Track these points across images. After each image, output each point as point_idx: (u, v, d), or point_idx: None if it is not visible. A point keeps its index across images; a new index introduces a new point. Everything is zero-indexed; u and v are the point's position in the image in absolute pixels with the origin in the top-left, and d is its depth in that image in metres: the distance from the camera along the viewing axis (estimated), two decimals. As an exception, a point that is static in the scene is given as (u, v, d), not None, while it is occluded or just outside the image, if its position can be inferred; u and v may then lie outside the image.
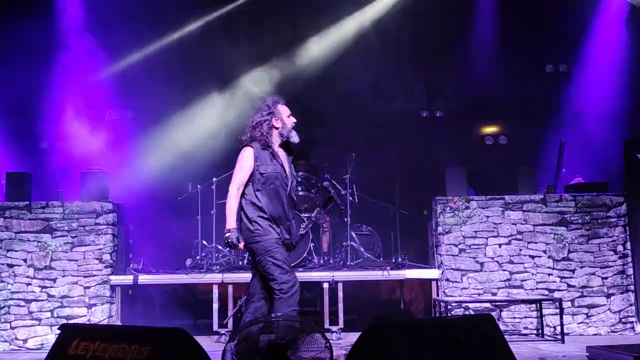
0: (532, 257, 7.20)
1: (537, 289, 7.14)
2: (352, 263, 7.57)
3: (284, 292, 4.85)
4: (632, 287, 7.12)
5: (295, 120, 5.18)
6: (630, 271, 7.15)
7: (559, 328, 6.87)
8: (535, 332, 7.02)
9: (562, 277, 7.15)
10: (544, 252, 7.20)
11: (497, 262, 7.19)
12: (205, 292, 7.59)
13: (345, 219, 7.59)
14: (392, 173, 7.94)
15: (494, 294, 7.12)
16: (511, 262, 7.18)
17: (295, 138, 5.16)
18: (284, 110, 5.16)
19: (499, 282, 7.15)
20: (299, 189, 7.82)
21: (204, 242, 7.73)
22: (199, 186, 7.77)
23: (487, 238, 7.22)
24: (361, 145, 8.19)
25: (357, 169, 7.90)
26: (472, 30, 8.80)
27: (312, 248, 7.57)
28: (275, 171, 5.01)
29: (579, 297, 7.13)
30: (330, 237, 8.08)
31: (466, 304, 7.00)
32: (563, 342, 6.65)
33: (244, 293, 7.85)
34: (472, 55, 8.78)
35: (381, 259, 7.92)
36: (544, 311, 7.00)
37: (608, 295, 7.12)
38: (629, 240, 7.17)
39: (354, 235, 7.80)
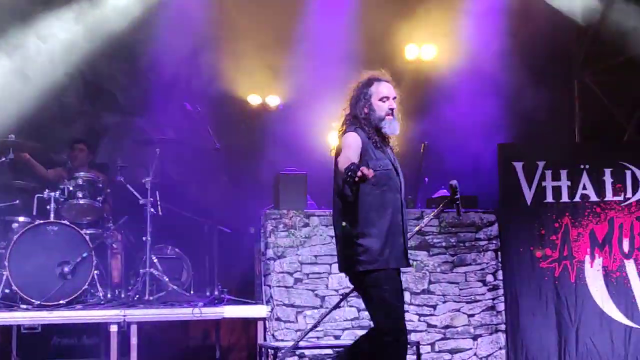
0: (387, 289, 7.17)
1: (391, 330, 7.12)
2: (151, 297, 7.36)
3: (383, 339, 4.71)
4: (502, 327, 7.34)
5: (393, 106, 4.89)
6: (501, 307, 7.36)
7: (416, 379, 6.90)
8: (387, 384, 6.99)
9: (420, 315, 7.26)
10: (400, 282, 7.19)
11: (343, 295, 7.09)
12: None
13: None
14: (210, 176, 7.68)
15: (338, 337, 7.09)
16: (358, 295, 7.09)
17: (388, 129, 4.88)
18: (378, 90, 4.92)
19: (344, 322, 7.14)
20: (79, 195, 7.50)
21: None
22: None
23: (330, 265, 7.19)
24: (169, 137, 7.96)
25: (162, 170, 7.72)
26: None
27: (95, 277, 7.28)
28: (387, 168, 4.81)
29: (441, 339, 7.25)
30: (122, 262, 7.83)
31: (301, 351, 6.94)
32: (422, 396, 6.75)
33: None
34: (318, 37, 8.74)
35: (192, 292, 7.80)
36: (399, 358, 6.99)
37: (475, 337, 7.30)
38: (500, 268, 7.38)
39: (156, 260, 7.60)
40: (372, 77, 4.93)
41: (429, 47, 9.13)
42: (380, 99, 4.88)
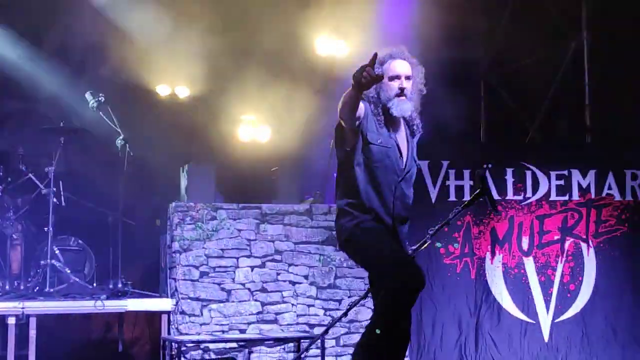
0: (293, 283, 7.31)
1: (297, 323, 7.26)
2: (52, 290, 7.25)
3: (391, 292, 4.33)
4: (424, 321, 7.53)
5: (403, 85, 4.57)
6: (405, 300, 7.54)
7: (320, 373, 7.03)
8: (291, 378, 7.13)
9: (326, 309, 7.36)
10: (306, 277, 7.33)
11: (249, 289, 7.20)
12: None
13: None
14: (115, 168, 7.61)
15: (243, 332, 7.15)
16: (264, 289, 7.24)
17: (396, 110, 4.55)
18: (389, 68, 4.60)
19: (249, 316, 7.20)
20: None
21: None
22: None
23: (237, 258, 7.24)
24: (74, 126, 7.82)
25: (65, 159, 7.64)
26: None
27: (-7, 267, 7.19)
28: (386, 146, 4.56)
29: (346, 333, 7.39)
30: (22, 253, 7.67)
31: (206, 345, 6.96)
32: (324, 391, 6.85)
33: None
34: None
35: (95, 285, 7.71)
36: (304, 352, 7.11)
37: (379, 331, 7.43)
38: (351, 263, 7.59)
39: (58, 252, 7.49)
40: (386, 55, 4.61)
41: (341, 42, 9.28)
42: (391, 78, 4.59)
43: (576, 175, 7.64)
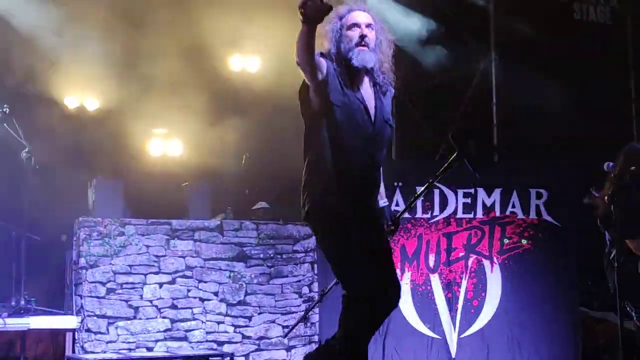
0: (203, 300, 7.32)
1: (207, 341, 7.27)
2: (-52, 307, 7.08)
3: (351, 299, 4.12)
4: (316, 338, 7.62)
5: (364, 33, 4.23)
6: (315, 318, 7.64)
7: (228, 391, 7.06)
8: (199, 397, 7.13)
9: (236, 326, 7.39)
10: (216, 294, 7.36)
11: (157, 306, 7.18)
12: None
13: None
14: (19, 181, 7.47)
15: (150, 349, 7.10)
16: (174, 306, 7.24)
17: (356, 59, 4.21)
18: (347, 19, 4.28)
19: (157, 333, 7.17)
20: None
21: None
22: None
23: (145, 275, 7.22)
24: None
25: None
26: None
27: None
28: (351, 107, 4.22)
29: (255, 350, 7.44)
30: None
31: (112, 363, 6.89)
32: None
33: None
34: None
35: (-4, 302, 7.51)
36: (213, 370, 7.14)
37: (289, 348, 7.53)
38: (316, 280, 7.68)
39: (-44, 268, 7.27)
40: (344, 10, 4.32)
41: (254, 58, 9.37)
42: (350, 27, 4.27)
43: (481, 194, 7.86)
